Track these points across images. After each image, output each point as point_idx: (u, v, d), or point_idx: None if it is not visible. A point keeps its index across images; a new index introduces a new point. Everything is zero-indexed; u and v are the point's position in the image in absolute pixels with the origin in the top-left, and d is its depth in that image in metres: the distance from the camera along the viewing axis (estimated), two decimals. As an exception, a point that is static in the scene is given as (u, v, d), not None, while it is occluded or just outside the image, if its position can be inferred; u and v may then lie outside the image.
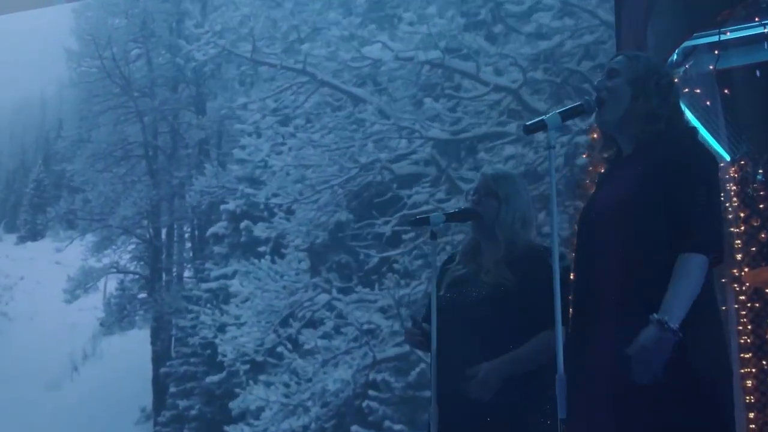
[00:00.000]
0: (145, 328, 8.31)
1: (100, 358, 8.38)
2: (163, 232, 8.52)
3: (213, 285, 8.12)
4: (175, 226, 8.52)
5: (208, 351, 7.95)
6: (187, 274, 8.37)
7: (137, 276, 8.47)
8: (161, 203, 8.52)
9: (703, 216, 2.56)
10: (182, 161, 8.49)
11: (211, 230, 8.27)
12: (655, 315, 2.44)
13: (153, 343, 8.23)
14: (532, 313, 3.14)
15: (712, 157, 2.77)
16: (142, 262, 8.50)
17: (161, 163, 8.56)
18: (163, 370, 8.08)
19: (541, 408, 3.15)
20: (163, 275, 8.44)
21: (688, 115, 4.47)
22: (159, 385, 8.11)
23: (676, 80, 3.14)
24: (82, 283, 8.64)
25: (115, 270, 8.52)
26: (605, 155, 3.06)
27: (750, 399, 5.50)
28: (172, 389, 8.04)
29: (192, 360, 8.06)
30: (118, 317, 8.41)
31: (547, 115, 2.68)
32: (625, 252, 2.62)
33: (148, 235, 8.51)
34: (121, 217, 8.56)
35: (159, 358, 8.16)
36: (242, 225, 8.11)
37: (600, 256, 2.69)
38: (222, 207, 8.26)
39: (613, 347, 2.55)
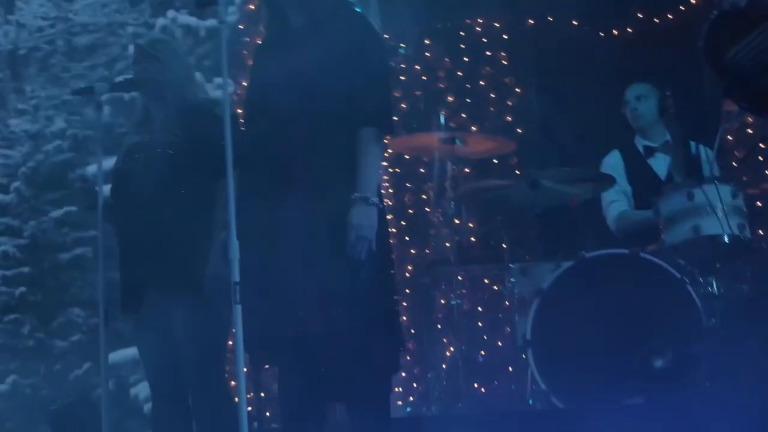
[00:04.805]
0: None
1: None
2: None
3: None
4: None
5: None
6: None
7: None
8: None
9: (374, 92, 2.89)
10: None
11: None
12: (357, 194, 2.78)
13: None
14: (206, 165, 3.35)
15: (381, 39, 3.10)
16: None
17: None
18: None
19: None
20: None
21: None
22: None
23: None
24: None
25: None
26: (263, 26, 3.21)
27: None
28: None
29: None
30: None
31: None
32: (309, 127, 2.87)
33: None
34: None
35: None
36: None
37: (283, 128, 2.89)
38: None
39: (301, 228, 2.79)
